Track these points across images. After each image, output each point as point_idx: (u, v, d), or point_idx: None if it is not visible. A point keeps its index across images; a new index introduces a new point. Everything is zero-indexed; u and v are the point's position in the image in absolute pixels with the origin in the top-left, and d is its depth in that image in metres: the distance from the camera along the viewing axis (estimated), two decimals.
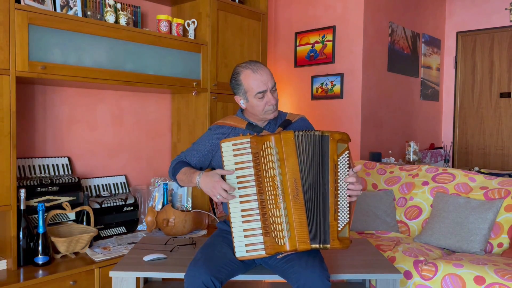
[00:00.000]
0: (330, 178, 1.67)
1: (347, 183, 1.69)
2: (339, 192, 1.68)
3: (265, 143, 1.68)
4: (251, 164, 1.68)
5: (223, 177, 1.71)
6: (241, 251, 1.67)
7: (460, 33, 5.11)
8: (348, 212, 1.70)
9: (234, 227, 1.68)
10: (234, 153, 1.69)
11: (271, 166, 1.66)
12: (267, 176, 1.67)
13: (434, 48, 4.97)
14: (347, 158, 1.71)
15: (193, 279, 1.58)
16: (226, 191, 1.66)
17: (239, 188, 1.68)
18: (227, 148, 1.70)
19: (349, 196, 1.69)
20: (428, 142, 4.96)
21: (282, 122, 1.91)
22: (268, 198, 1.66)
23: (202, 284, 1.57)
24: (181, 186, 1.94)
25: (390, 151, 4.14)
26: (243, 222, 1.67)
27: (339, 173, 1.68)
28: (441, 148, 5.01)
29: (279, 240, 1.65)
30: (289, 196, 1.66)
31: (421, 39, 4.71)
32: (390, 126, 4.29)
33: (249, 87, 1.82)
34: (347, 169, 1.70)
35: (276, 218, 1.65)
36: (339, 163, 1.69)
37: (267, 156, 1.67)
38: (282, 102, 4.34)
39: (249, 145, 1.68)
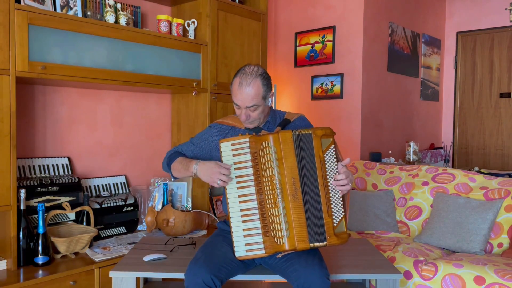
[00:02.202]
0: (319, 175, 1.67)
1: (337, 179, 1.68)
2: (330, 188, 1.68)
3: (264, 142, 1.68)
4: (250, 164, 1.69)
5: None
6: (240, 250, 1.68)
7: (460, 33, 5.11)
8: (342, 206, 1.69)
9: (234, 226, 1.68)
10: (233, 153, 1.70)
11: (269, 166, 1.67)
12: (265, 175, 1.67)
13: (434, 48, 4.97)
14: (334, 153, 1.70)
15: (193, 277, 1.59)
16: (225, 175, 1.66)
17: (238, 188, 1.69)
18: (226, 148, 1.70)
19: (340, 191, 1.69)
20: (428, 142, 4.96)
21: (280, 122, 1.91)
22: (267, 197, 1.67)
23: (203, 282, 1.57)
24: (175, 178, 1.92)
25: (390, 151, 4.14)
26: (243, 221, 1.68)
27: (327, 169, 1.68)
28: (441, 148, 5.01)
29: (278, 239, 1.65)
30: (288, 195, 1.66)
31: (421, 39, 4.71)
32: (390, 126, 4.29)
33: (231, 93, 1.83)
34: (335, 163, 1.70)
35: (275, 218, 1.66)
36: (326, 158, 1.68)
37: (265, 156, 1.67)
38: (282, 102, 4.34)
39: (248, 144, 1.69)
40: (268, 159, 1.67)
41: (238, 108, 1.81)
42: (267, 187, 1.67)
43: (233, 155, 1.70)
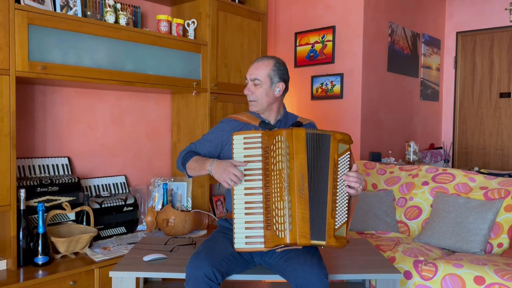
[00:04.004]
0: (330, 176, 1.69)
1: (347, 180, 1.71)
2: (338, 190, 1.70)
3: (276, 137, 1.70)
4: (260, 158, 1.71)
5: None
6: (240, 242, 1.69)
7: (460, 33, 5.11)
8: (347, 211, 1.71)
9: (236, 218, 1.70)
10: (245, 146, 1.73)
11: (280, 160, 1.68)
12: (275, 169, 1.69)
13: (434, 48, 4.97)
14: (348, 159, 1.73)
15: (195, 270, 1.60)
16: (236, 176, 1.68)
17: (245, 180, 1.71)
18: (238, 141, 1.73)
19: (348, 186, 1.70)
20: (428, 142, 4.96)
21: (293, 123, 1.97)
22: (273, 190, 1.68)
23: (204, 275, 1.58)
24: (189, 176, 1.95)
25: (390, 151, 4.14)
26: (246, 214, 1.70)
27: (339, 173, 1.71)
28: (441, 148, 5.01)
29: (280, 232, 1.65)
30: (295, 190, 1.67)
31: (421, 39, 4.71)
32: (390, 126, 4.29)
33: None
34: (347, 170, 1.73)
35: (279, 211, 1.66)
36: (339, 162, 1.71)
37: (277, 150, 1.69)
38: None
39: (260, 139, 1.72)
40: (279, 153, 1.69)
41: (247, 83, 1.94)
42: (275, 180, 1.68)
43: (244, 148, 1.73)
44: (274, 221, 1.66)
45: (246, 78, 1.94)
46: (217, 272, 1.60)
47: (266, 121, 1.95)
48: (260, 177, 1.70)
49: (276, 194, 1.67)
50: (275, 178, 1.68)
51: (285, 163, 1.68)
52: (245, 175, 1.71)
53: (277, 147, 1.69)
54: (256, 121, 1.94)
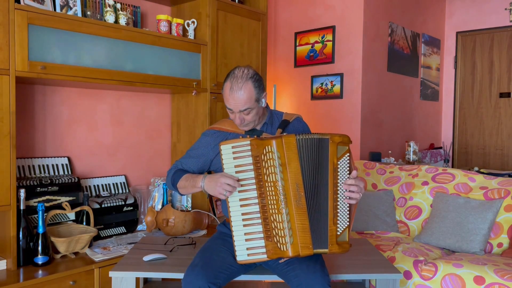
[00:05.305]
0: (330, 181, 1.65)
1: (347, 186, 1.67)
2: (338, 196, 1.66)
3: (266, 147, 1.65)
4: (251, 167, 1.65)
5: None
6: (242, 255, 1.66)
7: (460, 33, 5.11)
8: (348, 216, 1.68)
9: (235, 230, 1.66)
10: (234, 156, 1.66)
11: (272, 171, 1.64)
12: (268, 181, 1.64)
13: (434, 48, 4.97)
14: (348, 161, 1.68)
15: (190, 285, 1.58)
16: (229, 185, 1.63)
17: (239, 191, 1.66)
18: (226, 150, 1.67)
19: (349, 198, 1.66)
20: (428, 142, 4.96)
21: (280, 124, 1.89)
22: (269, 203, 1.64)
23: None
24: (182, 194, 1.91)
25: (390, 151, 4.14)
26: (244, 225, 1.65)
27: (339, 177, 1.66)
28: (441, 148, 5.01)
29: (281, 245, 1.63)
30: (292, 201, 1.64)
31: (421, 39, 4.71)
32: (390, 126, 4.29)
33: (223, 97, 1.80)
34: (348, 172, 1.68)
35: (278, 224, 1.63)
36: (339, 166, 1.66)
37: (268, 161, 1.64)
38: (282, 102, 4.34)
39: (249, 148, 1.65)
40: (271, 164, 1.64)
41: (232, 112, 1.79)
42: (270, 193, 1.64)
43: (234, 158, 1.66)
44: (274, 233, 1.64)
45: (230, 109, 1.77)
46: (212, 286, 1.57)
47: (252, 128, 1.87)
48: (254, 186, 1.65)
49: (273, 207, 1.64)
50: (270, 190, 1.64)
51: (278, 175, 1.63)
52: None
53: (268, 157, 1.64)
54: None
